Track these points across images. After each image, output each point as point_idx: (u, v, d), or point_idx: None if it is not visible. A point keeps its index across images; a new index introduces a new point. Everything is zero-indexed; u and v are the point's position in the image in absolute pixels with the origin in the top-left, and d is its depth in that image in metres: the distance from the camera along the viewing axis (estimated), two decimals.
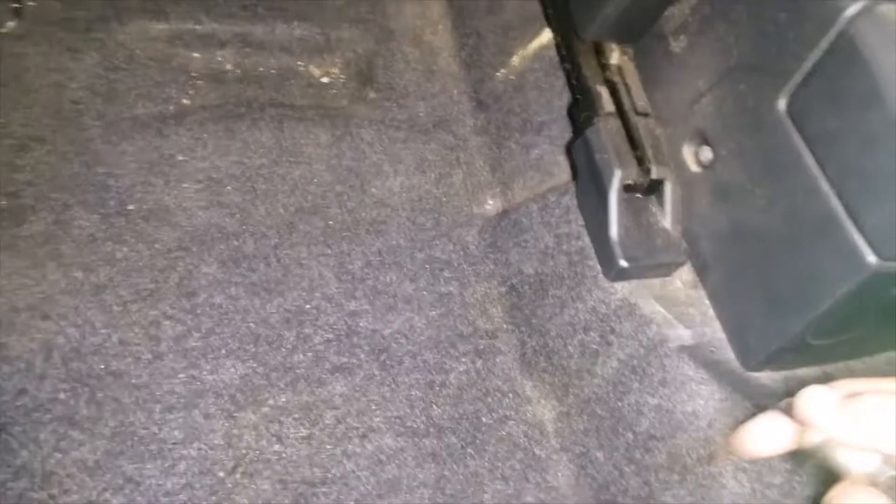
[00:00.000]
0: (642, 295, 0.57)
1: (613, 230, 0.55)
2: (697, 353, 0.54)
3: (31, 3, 0.69)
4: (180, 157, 0.65)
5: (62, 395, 0.55)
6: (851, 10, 0.42)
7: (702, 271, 0.56)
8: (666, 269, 0.57)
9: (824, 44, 0.43)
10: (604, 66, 0.60)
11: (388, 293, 0.65)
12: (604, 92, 0.58)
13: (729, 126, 0.52)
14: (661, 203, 0.57)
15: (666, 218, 0.56)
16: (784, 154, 0.46)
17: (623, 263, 0.54)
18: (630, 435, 0.58)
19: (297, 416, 0.59)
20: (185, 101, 0.69)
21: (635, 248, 0.55)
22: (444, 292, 0.67)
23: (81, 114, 0.65)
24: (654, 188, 0.57)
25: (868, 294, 0.44)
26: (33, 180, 0.61)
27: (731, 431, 0.52)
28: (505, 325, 0.67)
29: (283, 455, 0.57)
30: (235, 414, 0.57)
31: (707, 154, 0.53)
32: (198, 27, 0.73)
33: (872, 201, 0.41)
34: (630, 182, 0.56)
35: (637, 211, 0.56)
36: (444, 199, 0.72)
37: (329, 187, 0.69)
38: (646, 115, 0.58)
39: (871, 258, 0.42)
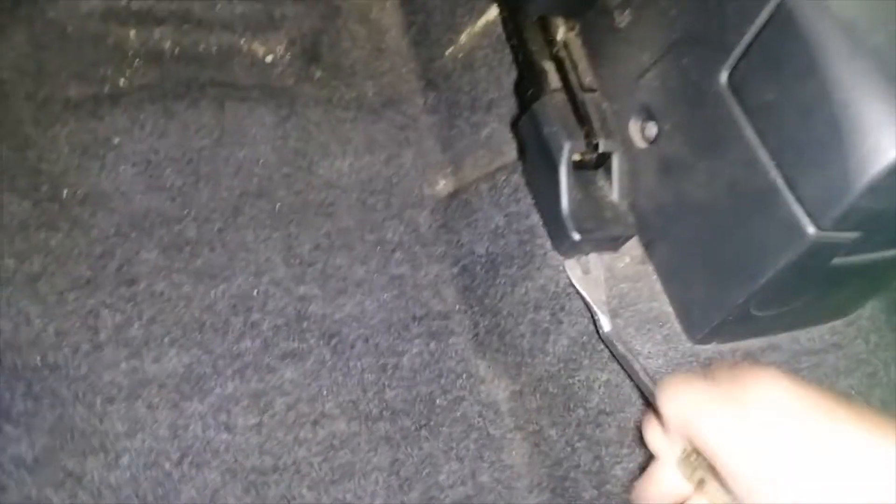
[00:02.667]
0: (591, 273, 0.57)
1: (564, 203, 0.54)
2: (645, 328, 0.55)
3: None
4: (116, 140, 0.63)
5: None
6: None
7: (649, 246, 0.56)
8: (615, 243, 0.57)
9: (763, 16, 0.44)
10: (550, 42, 0.59)
11: (339, 276, 0.64)
12: (550, 68, 0.58)
13: (673, 100, 0.52)
14: (608, 177, 0.57)
15: (614, 191, 0.56)
16: (725, 127, 0.46)
17: (575, 236, 0.54)
18: (581, 411, 0.58)
19: (245, 403, 0.57)
20: (120, 82, 0.66)
21: (586, 221, 0.55)
22: (396, 274, 0.66)
23: (9, 95, 0.61)
24: (602, 162, 0.56)
25: (808, 264, 0.45)
26: None
27: None
28: (457, 306, 0.67)
29: (232, 444, 0.56)
30: (181, 404, 0.56)
31: (652, 129, 0.53)
32: (133, 3, 0.69)
33: (810, 172, 0.42)
34: (578, 157, 0.55)
35: (585, 185, 0.56)
36: (394, 179, 0.71)
37: (275, 169, 0.67)
38: (592, 90, 0.58)
39: (811, 229, 0.42)
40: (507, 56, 0.68)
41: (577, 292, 0.56)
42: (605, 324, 0.54)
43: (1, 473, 0.51)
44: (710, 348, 0.54)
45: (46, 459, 0.52)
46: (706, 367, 0.53)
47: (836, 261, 0.46)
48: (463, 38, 0.72)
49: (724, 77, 0.47)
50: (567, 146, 0.54)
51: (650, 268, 0.56)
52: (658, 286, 0.56)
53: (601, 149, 0.55)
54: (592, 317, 0.55)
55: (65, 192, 0.60)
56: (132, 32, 0.69)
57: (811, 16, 0.41)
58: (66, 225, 0.58)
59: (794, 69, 0.42)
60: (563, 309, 0.59)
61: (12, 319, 0.54)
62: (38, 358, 0.54)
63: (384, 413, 0.61)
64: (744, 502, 0.38)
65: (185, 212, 0.62)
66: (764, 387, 0.38)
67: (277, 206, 0.65)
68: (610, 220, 0.55)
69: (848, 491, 0.35)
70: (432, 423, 0.62)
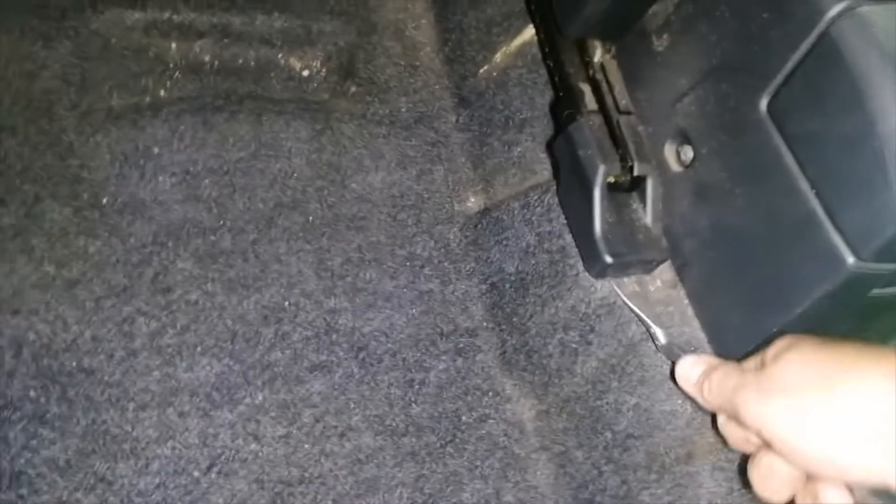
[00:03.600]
0: (622, 294, 0.57)
1: (597, 226, 0.55)
2: (676, 353, 0.54)
3: None
4: (156, 150, 0.64)
5: (32, 393, 0.53)
6: (833, 12, 0.42)
7: (681, 270, 0.56)
8: (647, 266, 0.57)
9: (806, 44, 0.43)
10: (587, 64, 0.59)
11: (368, 290, 0.65)
12: (586, 90, 0.58)
13: (711, 125, 0.52)
14: (642, 200, 0.57)
15: (647, 215, 0.56)
16: (765, 154, 0.46)
17: (607, 259, 0.54)
18: (609, 434, 0.58)
19: (274, 414, 0.58)
20: (161, 93, 0.67)
21: (618, 245, 0.55)
22: (425, 290, 0.67)
23: (54, 104, 0.63)
24: (636, 185, 0.56)
25: (846, 295, 0.44)
26: (4, 172, 0.59)
27: (709, 431, 0.53)
28: (485, 324, 0.67)
29: (260, 454, 0.56)
30: (211, 412, 0.56)
31: (688, 153, 0.53)
32: (175, 17, 0.71)
33: (851, 203, 0.41)
34: (612, 179, 0.55)
35: (619, 207, 0.56)
36: (425, 195, 0.72)
37: (309, 182, 0.68)
38: (628, 113, 0.58)
39: (850, 259, 0.42)
40: (542, 76, 0.68)
41: (626, 307, 0.56)
42: (661, 336, 0.54)
43: (34, 475, 0.52)
44: None
45: (78, 463, 0.53)
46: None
47: (875, 292, 0.46)
48: (498, 56, 0.73)
49: (764, 104, 0.47)
50: (602, 169, 0.54)
51: (682, 292, 0.56)
52: (690, 311, 0.55)
53: (636, 172, 0.55)
54: (648, 330, 0.55)
55: (105, 200, 0.61)
56: (173, 45, 0.70)
57: (855, 45, 0.41)
58: (105, 232, 0.60)
59: (837, 99, 0.42)
60: (592, 330, 0.59)
61: (50, 324, 0.56)
62: (74, 363, 0.55)
63: (410, 428, 0.61)
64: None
65: (221, 222, 0.63)
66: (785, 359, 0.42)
67: (310, 219, 0.66)
68: (643, 243, 0.55)
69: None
70: (457, 440, 0.62)
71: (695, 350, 0.54)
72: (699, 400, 0.48)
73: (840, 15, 0.42)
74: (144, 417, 0.55)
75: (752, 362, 0.47)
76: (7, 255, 0.57)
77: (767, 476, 0.43)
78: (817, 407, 0.40)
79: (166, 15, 0.71)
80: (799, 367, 0.41)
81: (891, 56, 0.40)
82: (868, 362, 0.39)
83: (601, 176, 0.54)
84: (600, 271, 0.56)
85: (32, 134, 0.61)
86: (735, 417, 0.44)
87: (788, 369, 0.42)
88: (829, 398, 0.39)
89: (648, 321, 0.54)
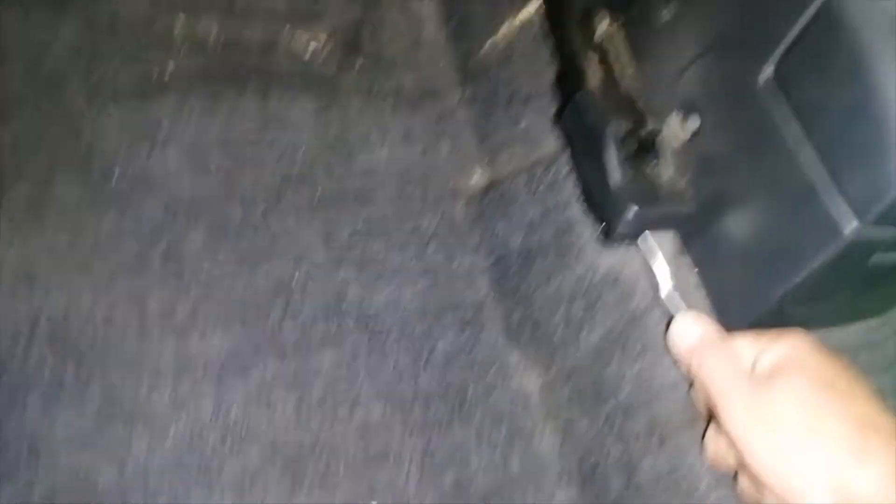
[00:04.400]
0: (627, 265, 0.58)
1: (618, 183, 0.52)
2: (677, 306, 0.55)
3: None
4: (165, 123, 0.64)
5: (48, 366, 0.54)
6: None
7: (687, 239, 0.57)
8: (674, 222, 0.55)
9: (809, 12, 0.44)
10: (592, 36, 0.59)
11: (376, 263, 0.66)
12: (593, 60, 0.58)
13: (715, 95, 0.52)
14: (658, 159, 0.55)
15: (668, 171, 0.54)
16: (769, 122, 0.47)
17: (632, 214, 0.51)
18: (612, 402, 0.59)
19: (285, 385, 0.59)
20: (169, 66, 0.67)
21: (642, 200, 0.52)
22: (431, 263, 0.67)
23: (64, 77, 0.63)
24: (650, 145, 0.55)
25: (847, 261, 0.45)
26: (16, 145, 0.60)
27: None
28: (491, 297, 0.67)
29: (272, 425, 0.57)
30: (224, 383, 0.57)
31: (694, 123, 0.53)
32: None
33: (855, 168, 0.42)
34: (625, 142, 0.54)
35: (637, 165, 0.53)
36: (430, 170, 0.72)
37: (316, 156, 0.68)
38: (634, 84, 0.58)
39: (853, 223, 0.42)
40: (546, 50, 0.68)
41: (630, 279, 0.56)
42: (665, 287, 0.54)
43: (52, 448, 0.53)
44: None
45: (94, 436, 0.54)
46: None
47: (875, 258, 0.47)
48: (502, 30, 0.73)
49: (768, 72, 0.47)
50: (612, 124, 0.53)
51: (688, 260, 0.56)
52: (695, 279, 0.56)
53: (648, 131, 0.54)
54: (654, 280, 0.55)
55: (116, 173, 0.61)
56: (179, 19, 0.71)
57: (859, 12, 0.42)
58: (117, 206, 0.60)
59: (840, 67, 0.42)
60: (597, 301, 0.59)
61: (65, 297, 0.56)
62: (89, 335, 0.56)
63: (418, 399, 0.62)
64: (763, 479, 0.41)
65: (230, 195, 0.64)
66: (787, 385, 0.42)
67: (318, 192, 0.67)
68: (666, 196, 0.53)
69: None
70: (465, 410, 0.63)
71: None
72: (683, 368, 0.48)
73: None
74: (159, 390, 0.56)
75: (749, 350, 0.47)
76: (20, 229, 0.58)
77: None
78: (813, 455, 0.39)
79: None
80: (799, 400, 0.41)
81: (891, 24, 0.41)
82: (876, 433, 0.39)
83: (613, 130, 0.53)
84: (624, 229, 0.53)
85: (43, 107, 0.62)
86: (714, 415, 0.44)
87: (786, 400, 0.41)
88: (829, 454, 0.39)
89: (656, 271, 0.54)
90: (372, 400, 0.61)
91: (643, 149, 0.55)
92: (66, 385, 0.54)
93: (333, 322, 0.62)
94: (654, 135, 0.55)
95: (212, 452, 0.55)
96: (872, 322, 0.58)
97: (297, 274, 0.62)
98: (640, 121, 0.54)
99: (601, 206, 0.55)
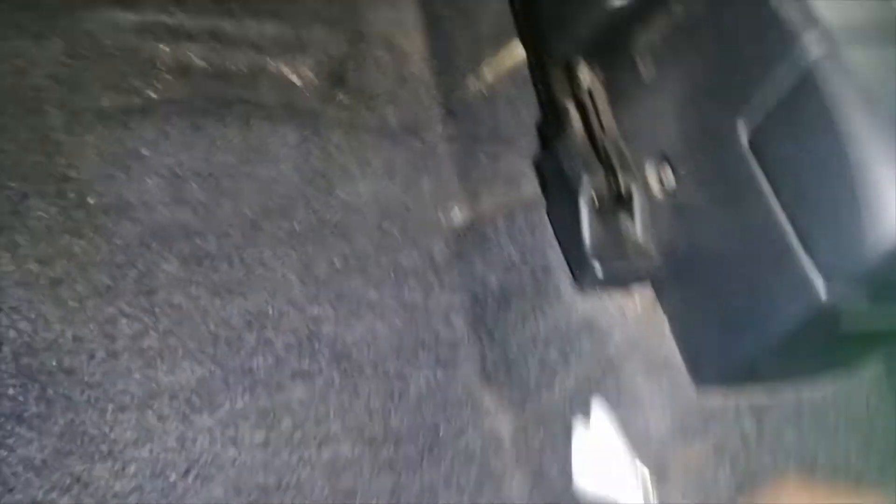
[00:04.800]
0: (602, 313, 0.58)
1: (586, 238, 0.55)
2: (652, 375, 0.56)
3: None
4: (144, 151, 0.64)
5: (11, 391, 0.53)
6: (816, 52, 0.43)
7: (660, 291, 0.57)
8: (638, 277, 0.57)
9: (788, 81, 0.45)
10: (573, 84, 0.60)
11: (352, 298, 0.65)
12: (572, 109, 0.59)
13: (692, 150, 0.53)
14: (630, 214, 0.57)
15: (636, 226, 0.57)
16: (743, 180, 0.48)
17: (598, 270, 0.54)
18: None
19: (253, 420, 0.58)
20: (151, 95, 0.67)
21: (608, 256, 0.55)
22: (408, 300, 0.67)
23: (44, 102, 0.63)
24: (623, 200, 0.57)
25: (817, 324, 0.46)
26: None
27: (683, 451, 0.54)
28: (467, 336, 0.67)
29: (238, 460, 0.57)
30: (191, 416, 0.56)
31: (669, 176, 0.54)
32: (168, 19, 0.71)
33: (825, 234, 0.43)
34: (598, 195, 0.56)
35: (607, 221, 0.56)
36: (410, 205, 0.72)
37: (296, 188, 0.68)
38: (613, 134, 0.59)
39: (823, 289, 0.43)
40: (528, 93, 0.69)
41: (606, 326, 0.57)
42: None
43: (9, 474, 0.51)
44: (716, 401, 0.55)
45: (55, 463, 0.53)
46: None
47: (845, 318, 0.47)
48: (486, 71, 0.74)
49: (744, 134, 0.48)
50: (588, 182, 0.55)
51: (660, 313, 0.57)
52: (667, 330, 0.57)
53: (621, 185, 0.56)
54: None
55: (91, 199, 0.61)
56: (165, 47, 0.71)
57: (835, 85, 0.43)
58: (90, 232, 0.60)
59: (816, 134, 0.43)
60: (572, 347, 0.60)
61: (32, 322, 0.55)
62: (55, 362, 0.55)
63: (388, 439, 0.61)
64: None
65: (207, 225, 0.63)
66: None
67: (296, 225, 0.66)
68: (632, 255, 0.56)
69: None
70: (435, 452, 0.62)
71: (669, 371, 0.55)
72: None
73: (823, 56, 0.43)
74: (123, 419, 0.55)
75: None
76: None
77: None
78: None
79: (159, 17, 0.71)
80: None
81: (868, 98, 0.42)
82: None
83: (587, 185, 0.55)
84: (591, 283, 0.56)
85: (21, 131, 0.61)
86: None
87: None
88: None
89: (632, 340, 0.55)
90: (341, 438, 0.60)
91: (617, 201, 0.56)
92: (28, 410, 0.53)
93: (306, 358, 0.61)
94: (629, 187, 0.56)
95: (174, 485, 0.54)
96: (841, 380, 0.59)
97: (271, 308, 0.62)
98: (615, 173, 0.56)
99: (572, 256, 0.56)
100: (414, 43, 0.81)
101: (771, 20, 0.46)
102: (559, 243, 0.60)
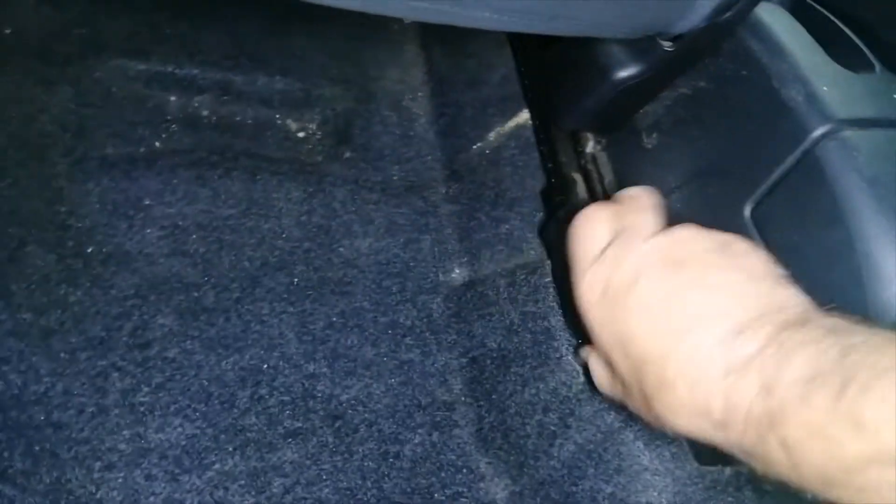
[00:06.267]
0: None
1: None
2: (654, 444, 0.55)
3: (6, 31, 0.68)
4: (147, 202, 0.64)
5: None
6: (818, 132, 0.44)
7: None
8: None
9: (791, 159, 0.46)
10: (578, 154, 0.61)
11: (349, 357, 0.64)
12: (578, 179, 0.60)
13: (693, 219, 0.53)
14: None
15: None
16: None
17: None
18: None
19: (243, 482, 0.56)
20: (157, 145, 0.68)
21: None
22: (405, 360, 0.67)
23: (49, 148, 0.63)
24: None
25: None
26: None
27: None
28: (464, 399, 0.66)
29: None
30: (179, 477, 0.55)
31: None
32: (177, 71, 0.72)
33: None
34: None
35: None
36: (411, 263, 0.72)
37: (297, 243, 0.68)
38: None
39: None
40: (533, 158, 0.70)
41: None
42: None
43: None
44: (718, 473, 0.54)
45: None
46: None
47: None
48: (491, 135, 0.75)
49: (747, 211, 0.49)
50: None
51: None
52: None
53: None
54: None
55: (90, 248, 0.60)
56: (173, 98, 0.71)
57: (837, 165, 0.44)
58: (87, 282, 0.59)
59: (818, 214, 0.44)
60: (572, 414, 0.59)
61: (22, 374, 0.54)
62: (43, 416, 0.54)
63: (381, 502, 0.60)
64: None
65: (205, 279, 0.62)
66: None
67: (296, 281, 0.66)
68: None
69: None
70: None
71: (671, 442, 0.55)
72: None
73: (825, 136, 0.44)
74: (110, 478, 0.53)
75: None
76: None
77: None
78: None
79: (169, 68, 0.72)
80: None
81: (870, 179, 0.43)
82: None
83: None
84: None
85: (23, 177, 0.61)
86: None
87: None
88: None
89: None
90: (332, 503, 0.58)
91: None
92: (13, 466, 0.51)
93: (300, 417, 0.60)
94: None
95: None
96: None
97: (266, 365, 0.61)
98: None
99: (575, 325, 0.56)
100: (421, 104, 0.82)
101: (775, 100, 0.47)
102: (561, 308, 0.60)
